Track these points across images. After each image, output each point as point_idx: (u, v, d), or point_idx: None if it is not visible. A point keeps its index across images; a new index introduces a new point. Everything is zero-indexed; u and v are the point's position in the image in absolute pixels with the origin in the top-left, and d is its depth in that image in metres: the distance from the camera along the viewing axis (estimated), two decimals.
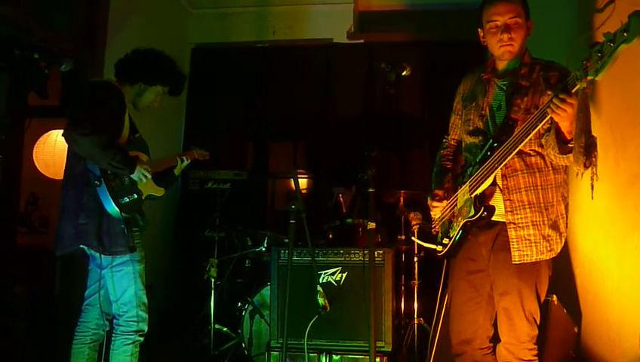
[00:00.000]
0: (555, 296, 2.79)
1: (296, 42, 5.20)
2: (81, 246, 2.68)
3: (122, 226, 2.62)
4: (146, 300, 2.80)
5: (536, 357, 2.32)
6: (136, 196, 2.72)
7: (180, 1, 5.23)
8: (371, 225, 2.52)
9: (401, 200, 4.05)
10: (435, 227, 2.65)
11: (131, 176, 2.68)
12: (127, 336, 2.73)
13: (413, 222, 3.69)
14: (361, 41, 5.13)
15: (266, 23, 5.26)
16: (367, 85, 4.98)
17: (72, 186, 2.70)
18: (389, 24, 5.26)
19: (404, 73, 2.60)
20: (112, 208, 2.59)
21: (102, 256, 2.64)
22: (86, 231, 2.61)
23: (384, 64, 2.63)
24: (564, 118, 2.04)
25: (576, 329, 2.95)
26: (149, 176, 2.76)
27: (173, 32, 5.12)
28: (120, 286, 2.72)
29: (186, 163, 3.24)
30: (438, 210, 2.59)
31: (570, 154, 2.05)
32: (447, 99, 2.72)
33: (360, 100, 4.98)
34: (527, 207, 2.28)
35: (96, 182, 2.59)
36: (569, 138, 2.08)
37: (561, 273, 3.08)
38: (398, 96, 4.77)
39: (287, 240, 3.14)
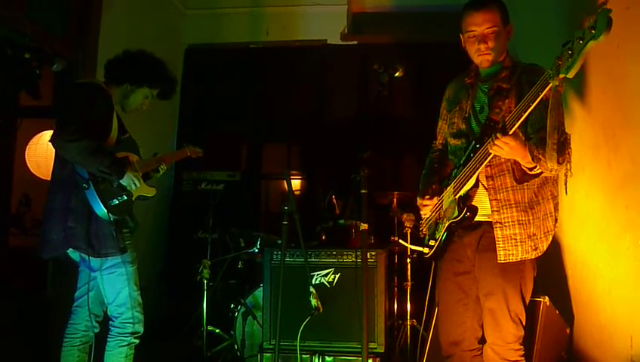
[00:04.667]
0: (547, 297, 2.79)
1: (290, 43, 5.20)
2: (71, 249, 2.66)
3: (112, 228, 2.59)
4: (140, 300, 2.78)
5: (522, 358, 2.33)
6: (125, 198, 2.69)
7: (174, 2, 5.22)
8: (364, 226, 2.52)
9: (394, 202, 4.06)
10: (422, 229, 2.66)
11: (121, 181, 2.64)
12: (123, 338, 2.72)
13: (407, 224, 3.70)
14: (355, 42, 5.15)
15: (259, 24, 5.26)
16: (360, 86, 5.00)
17: (60, 189, 2.66)
18: (383, 26, 5.27)
19: (397, 74, 2.60)
20: (102, 210, 2.57)
21: (91, 258, 2.62)
22: (75, 234, 2.58)
23: (377, 65, 2.63)
24: (504, 154, 2.16)
25: (568, 331, 2.95)
26: (138, 184, 2.72)
27: (167, 32, 5.10)
28: (113, 288, 2.70)
29: (162, 172, 3.13)
30: (427, 209, 2.59)
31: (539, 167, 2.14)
32: (441, 100, 2.72)
33: (353, 101, 5.00)
34: (513, 206, 2.30)
35: (84, 185, 2.56)
36: (528, 166, 2.18)
37: (553, 274, 3.08)
38: (392, 98, 4.78)
39: (280, 242, 3.13)
